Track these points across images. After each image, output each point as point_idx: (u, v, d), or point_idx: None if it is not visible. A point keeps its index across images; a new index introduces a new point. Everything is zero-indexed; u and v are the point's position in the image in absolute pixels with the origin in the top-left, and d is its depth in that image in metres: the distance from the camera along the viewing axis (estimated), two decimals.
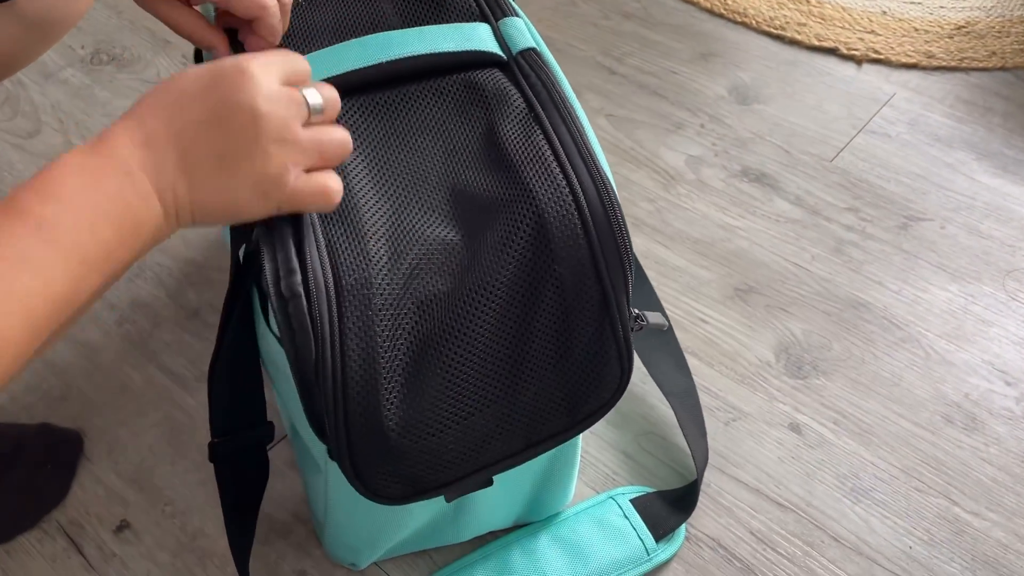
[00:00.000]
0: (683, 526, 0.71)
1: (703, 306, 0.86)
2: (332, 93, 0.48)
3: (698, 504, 0.72)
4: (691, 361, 0.80)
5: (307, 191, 0.47)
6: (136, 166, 0.42)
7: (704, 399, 0.78)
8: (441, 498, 0.58)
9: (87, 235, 0.40)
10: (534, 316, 0.52)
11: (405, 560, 0.69)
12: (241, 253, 0.54)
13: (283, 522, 0.71)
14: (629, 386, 0.56)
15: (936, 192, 0.95)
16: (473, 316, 0.51)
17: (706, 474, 0.74)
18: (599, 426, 0.77)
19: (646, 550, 0.68)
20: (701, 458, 0.72)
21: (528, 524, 0.70)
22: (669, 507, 0.71)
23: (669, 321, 0.79)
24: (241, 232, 0.53)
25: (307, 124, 0.47)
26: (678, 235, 0.92)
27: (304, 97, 0.46)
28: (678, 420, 0.74)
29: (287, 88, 0.46)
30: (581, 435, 0.62)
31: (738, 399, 0.79)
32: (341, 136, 0.48)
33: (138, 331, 0.84)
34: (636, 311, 0.56)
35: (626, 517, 0.70)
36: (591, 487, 0.74)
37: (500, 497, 0.64)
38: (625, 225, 0.53)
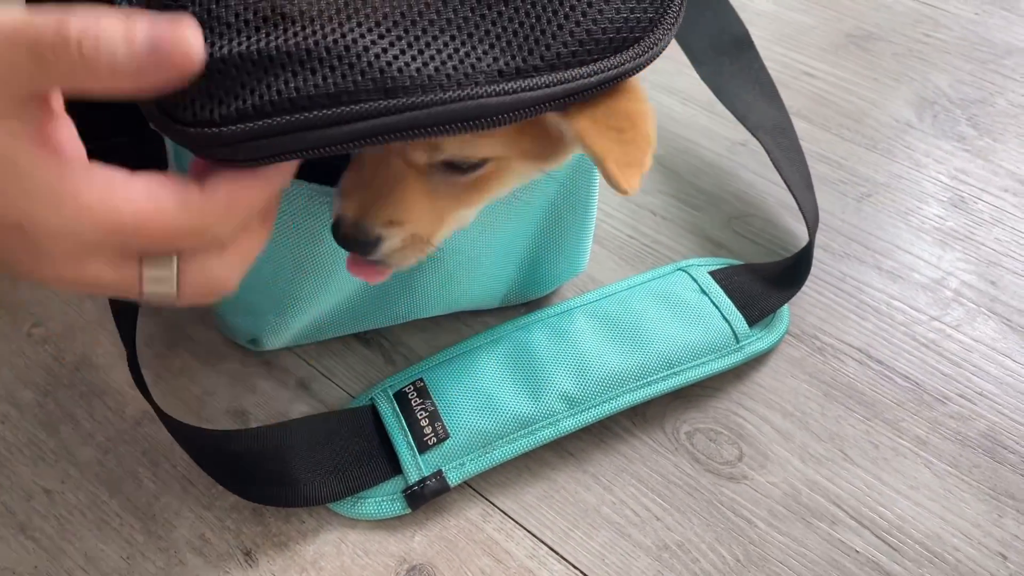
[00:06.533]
0: (786, 308, 0.48)
1: (806, 57, 0.63)
2: None
3: (824, 299, 0.49)
4: (799, 125, 0.58)
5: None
6: None
7: (822, 170, 0.56)
8: None
9: None
10: None
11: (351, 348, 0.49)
12: None
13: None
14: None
15: None
16: None
17: (836, 263, 0.51)
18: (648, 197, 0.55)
19: (735, 335, 0.46)
20: (811, 214, 0.49)
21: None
22: (765, 283, 0.48)
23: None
24: None
25: None
26: None
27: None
28: (773, 162, 0.51)
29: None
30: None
31: (871, 168, 0.56)
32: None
33: None
34: None
35: (704, 292, 0.48)
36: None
37: (480, 262, 0.44)
38: None
